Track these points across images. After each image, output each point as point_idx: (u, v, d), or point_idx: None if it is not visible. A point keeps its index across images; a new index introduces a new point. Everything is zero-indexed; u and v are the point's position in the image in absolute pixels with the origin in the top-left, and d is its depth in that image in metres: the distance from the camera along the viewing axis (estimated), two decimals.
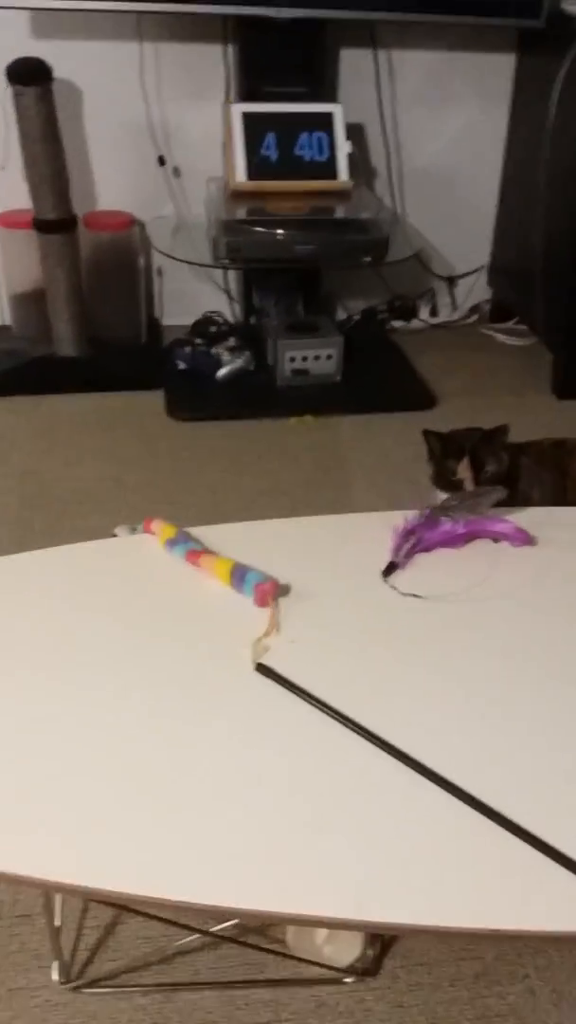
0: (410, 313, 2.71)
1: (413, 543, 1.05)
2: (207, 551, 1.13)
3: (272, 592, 1.06)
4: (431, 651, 0.96)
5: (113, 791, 0.78)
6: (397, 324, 2.70)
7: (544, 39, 2.21)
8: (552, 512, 1.20)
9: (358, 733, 0.86)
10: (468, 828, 0.76)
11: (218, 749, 0.85)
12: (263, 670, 0.95)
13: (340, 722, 0.87)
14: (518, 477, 1.36)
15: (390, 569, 1.02)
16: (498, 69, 2.42)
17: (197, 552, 1.12)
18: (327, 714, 0.89)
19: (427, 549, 1.05)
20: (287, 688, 0.94)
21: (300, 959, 0.98)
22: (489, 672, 0.93)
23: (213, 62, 2.26)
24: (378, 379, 2.36)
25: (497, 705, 0.89)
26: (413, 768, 0.82)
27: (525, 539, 1.05)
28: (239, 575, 1.08)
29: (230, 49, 2.24)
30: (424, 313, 2.74)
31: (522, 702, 0.89)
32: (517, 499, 1.33)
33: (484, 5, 2.08)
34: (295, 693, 0.93)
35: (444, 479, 1.26)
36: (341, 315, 2.70)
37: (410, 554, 1.04)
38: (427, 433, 1.29)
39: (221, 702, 0.90)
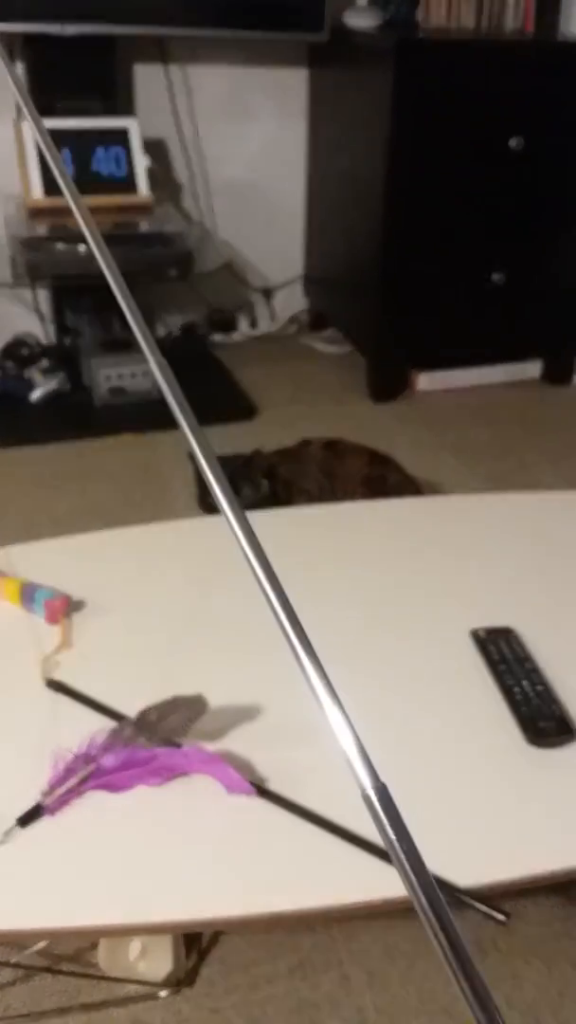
0: (230, 326, 2.73)
1: (82, 775, 0.77)
2: None
3: (62, 608, 1.04)
4: (219, 656, 0.96)
5: None
6: (218, 337, 2.71)
7: (330, 52, 2.29)
8: None
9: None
10: (267, 819, 0.77)
11: (6, 766, 0.82)
12: (54, 685, 0.93)
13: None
14: (279, 493, 1.40)
15: (30, 816, 0.74)
16: (293, 83, 2.48)
17: None
18: (115, 721, 0.88)
19: (108, 786, 0.77)
20: (77, 700, 0.92)
21: (115, 979, 0.96)
22: (289, 666, 0.94)
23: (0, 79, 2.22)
24: (198, 393, 2.34)
25: (287, 702, 0.90)
26: None
27: (242, 788, 0.77)
28: (28, 594, 1.06)
29: (19, 65, 2.20)
30: (244, 325, 2.77)
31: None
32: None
33: (269, 20, 2.14)
34: (85, 704, 0.92)
35: (205, 502, 1.30)
36: (161, 331, 2.69)
37: (74, 792, 0.76)
38: (192, 458, 1.31)
39: (9, 719, 0.88)
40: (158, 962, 0.95)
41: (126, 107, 2.34)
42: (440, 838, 0.75)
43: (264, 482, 1.29)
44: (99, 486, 1.97)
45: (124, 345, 2.29)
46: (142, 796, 0.78)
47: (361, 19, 2.22)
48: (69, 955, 1.00)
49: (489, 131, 2.08)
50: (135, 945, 0.96)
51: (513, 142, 2.09)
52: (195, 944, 1.00)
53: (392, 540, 1.17)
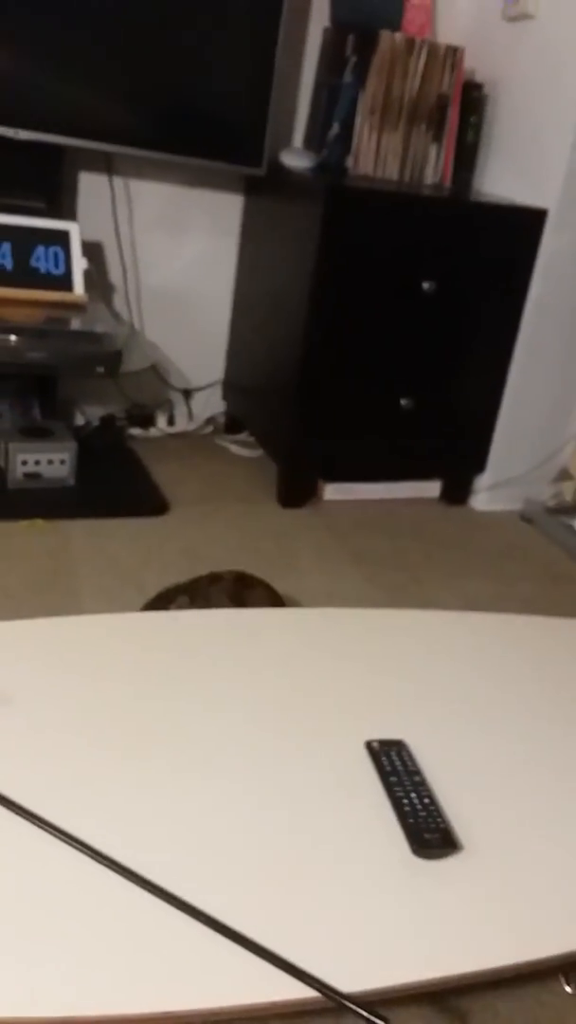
0: (148, 421, 2.82)
1: None
2: None
3: None
4: (135, 750, 1.00)
5: None
6: (135, 432, 2.79)
7: (265, 185, 2.47)
8: None
9: (48, 830, 0.88)
10: (154, 917, 0.80)
11: None
12: None
13: (29, 820, 0.89)
14: None
15: None
16: (228, 206, 2.65)
17: None
18: (15, 812, 0.90)
19: None
20: None
21: None
22: (190, 768, 0.99)
23: None
24: (113, 485, 2.42)
25: (193, 800, 0.94)
26: (100, 861, 0.85)
27: None
28: None
29: None
30: (162, 422, 2.85)
31: (215, 794, 0.95)
32: None
33: (212, 150, 2.30)
34: None
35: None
36: (80, 420, 2.75)
37: None
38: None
39: None
40: None
41: (69, 209, 2.45)
42: (325, 943, 0.80)
43: None
44: (5, 570, 1.98)
45: (43, 432, 2.34)
46: (28, 886, 0.80)
47: (296, 160, 2.41)
48: None
49: (406, 272, 2.27)
50: None
51: (426, 285, 2.28)
52: None
53: (292, 650, 1.24)
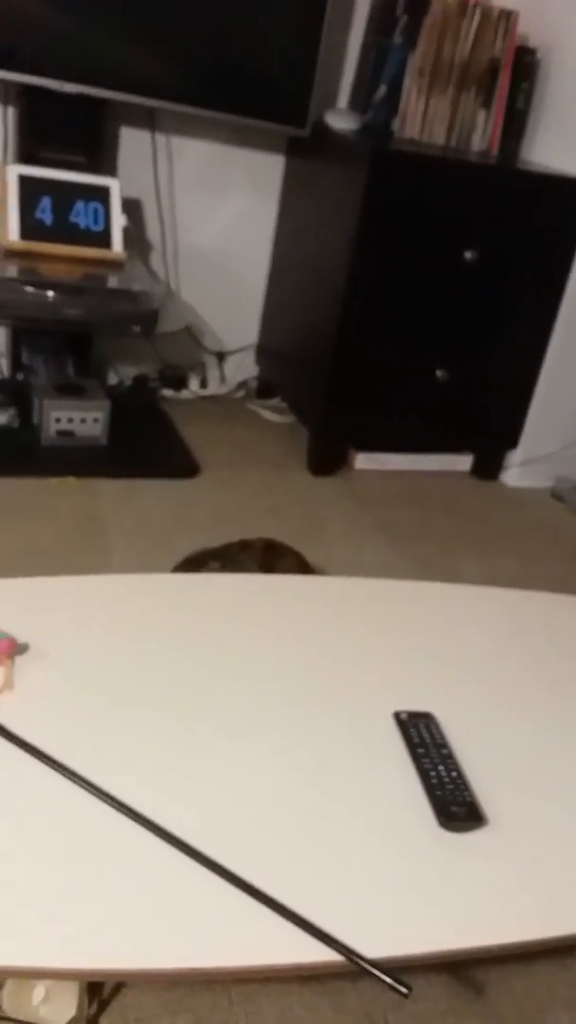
0: (180, 383, 2.81)
1: None
2: None
3: (7, 650, 1.07)
4: (166, 709, 1.01)
5: None
6: (167, 393, 2.78)
7: (309, 146, 2.43)
8: None
9: (80, 785, 0.89)
10: (184, 876, 0.81)
11: None
12: None
13: (63, 775, 0.90)
14: None
15: None
16: (269, 166, 2.61)
17: None
18: (49, 766, 0.91)
19: None
20: (14, 743, 0.95)
21: (17, 1021, 0.97)
22: (220, 730, 0.99)
23: None
24: (144, 445, 2.42)
25: (223, 762, 0.95)
26: (132, 819, 0.86)
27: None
28: None
29: (10, 111, 2.27)
30: (194, 384, 2.85)
31: (244, 757, 0.96)
32: None
33: (256, 108, 2.27)
34: (22, 748, 0.95)
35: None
36: (113, 379, 2.75)
37: None
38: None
39: None
40: (61, 1008, 0.97)
41: (110, 165, 2.43)
42: (351, 910, 0.81)
43: None
44: (37, 526, 1.99)
45: (77, 390, 2.34)
46: (63, 840, 0.82)
47: (340, 121, 2.37)
48: None
49: (448, 241, 2.23)
50: (39, 989, 0.97)
51: (468, 254, 2.25)
52: (97, 993, 1.02)
53: (322, 618, 1.24)
